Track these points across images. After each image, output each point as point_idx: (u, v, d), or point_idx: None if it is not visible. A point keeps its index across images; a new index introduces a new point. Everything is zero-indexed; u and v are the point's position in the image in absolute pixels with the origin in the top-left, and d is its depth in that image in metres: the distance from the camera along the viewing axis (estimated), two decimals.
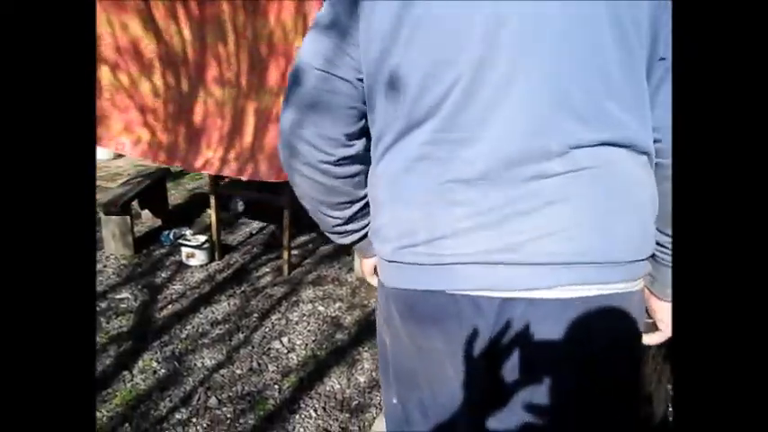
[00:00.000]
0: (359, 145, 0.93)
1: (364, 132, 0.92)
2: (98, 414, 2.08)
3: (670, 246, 0.91)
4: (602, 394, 0.86)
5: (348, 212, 1.00)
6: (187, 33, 2.65)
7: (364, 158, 0.94)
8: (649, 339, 0.99)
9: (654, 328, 0.99)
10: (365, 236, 1.04)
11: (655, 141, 0.84)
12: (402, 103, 0.81)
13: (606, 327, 0.83)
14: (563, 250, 0.79)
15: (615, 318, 0.83)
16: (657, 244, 0.90)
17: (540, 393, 0.85)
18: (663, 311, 0.98)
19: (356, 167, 0.94)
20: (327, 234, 1.08)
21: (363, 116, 0.90)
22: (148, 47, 2.68)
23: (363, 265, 1.13)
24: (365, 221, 1.02)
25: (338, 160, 0.91)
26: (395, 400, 0.99)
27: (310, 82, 0.86)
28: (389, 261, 0.91)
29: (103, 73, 2.73)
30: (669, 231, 0.90)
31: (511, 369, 0.86)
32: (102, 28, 2.65)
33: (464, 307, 0.83)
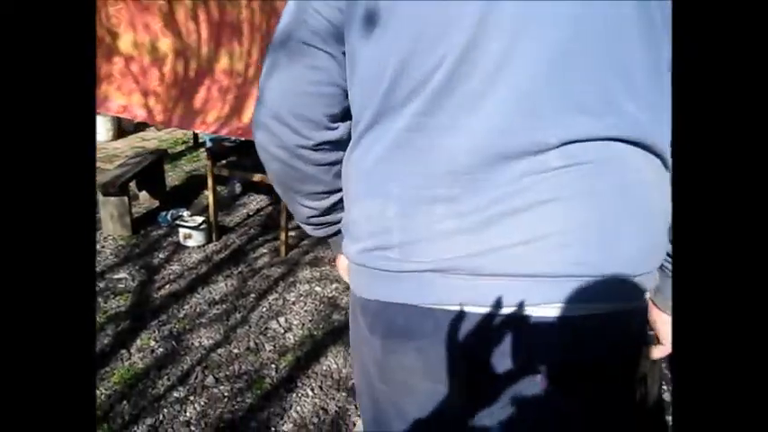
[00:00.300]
0: (342, 129, 0.82)
1: (350, 115, 0.81)
2: (96, 392, 2.09)
3: None
4: (595, 425, 0.76)
5: (325, 203, 0.91)
6: (204, 32, 2.74)
7: (347, 145, 0.82)
8: (652, 353, 0.89)
9: (655, 341, 0.89)
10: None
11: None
12: (381, 79, 0.71)
13: (605, 351, 0.73)
14: (556, 260, 0.68)
15: (616, 341, 0.73)
16: (668, 255, 0.79)
17: (524, 427, 0.75)
18: (666, 325, 0.86)
19: (337, 154, 0.83)
20: (301, 225, 0.99)
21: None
22: (165, 42, 2.74)
23: (339, 262, 1.03)
24: (343, 214, 0.90)
25: (317, 145, 0.81)
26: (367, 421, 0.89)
27: (286, 54, 0.76)
28: (358, 264, 0.80)
29: (115, 63, 2.78)
30: None
31: (493, 396, 0.75)
32: (123, 28, 2.72)
33: (443, 323, 0.72)
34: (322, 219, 0.95)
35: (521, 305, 0.69)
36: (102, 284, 2.90)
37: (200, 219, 3.41)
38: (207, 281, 2.99)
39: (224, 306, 2.75)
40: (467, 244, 0.69)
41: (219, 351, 2.38)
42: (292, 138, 0.80)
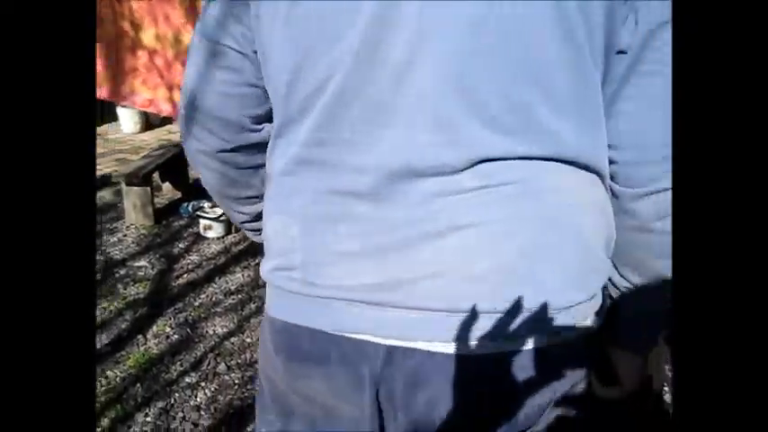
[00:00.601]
0: (267, 130, 0.75)
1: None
2: (111, 374, 2.16)
3: (636, 295, 0.73)
4: None
5: (257, 208, 0.85)
6: None
7: None
8: (606, 393, 0.81)
9: (614, 380, 0.81)
10: None
11: (610, 163, 0.66)
12: (281, 84, 0.66)
13: (519, 389, 0.65)
14: (466, 293, 0.61)
15: (533, 379, 0.65)
16: (615, 286, 0.74)
17: None
18: (624, 363, 0.78)
19: (263, 157, 0.75)
20: (240, 228, 0.93)
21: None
22: (187, 36, 2.80)
23: None
24: None
25: (238, 148, 0.76)
26: None
27: (201, 53, 0.71)
28: (267, 282, 0.75)
29: (140, 56, 2.84)
30: (635, 279, 0.72)
31: (400, 428, 0.70)
32: (146, 21, 2.78)
33: (348, 351, 0.66)
34: (256, 225, 0.89)
35: (426, 339, 0.63)
36: (122, 272, 2.98)
37: (220, 211, 3.47)
38: (224, 271, 3.05)
39: (239, 296, 2.80)
40: (371, 270, 0.63)
41: (232, 340, 2.43)
42: (213, 141, 0.75)
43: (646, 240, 0.68)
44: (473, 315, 0.61)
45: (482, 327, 0.62)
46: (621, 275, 0.74)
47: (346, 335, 0.66)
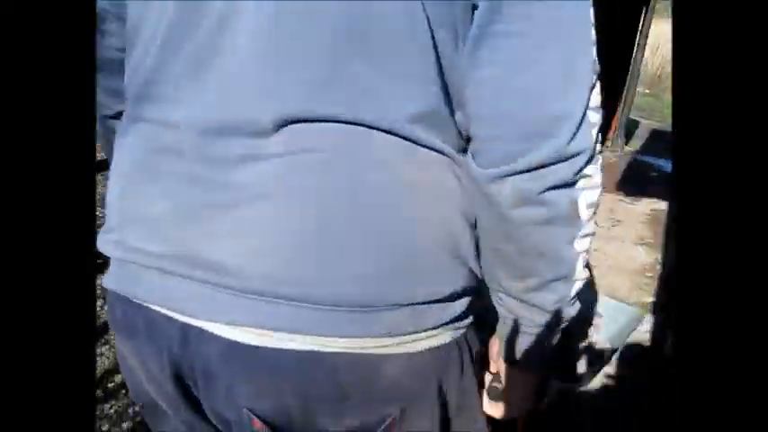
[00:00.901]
0: None
1: None
2: (113, 378, 2.15)
3: (514, 302, 0.64)
4: None
5: None
6: None
7: None
8: (494, 411, 0.74)
9: (502, 395, 0.73)
10: None
11: (469, 140, 0.58)
12: (131, 39, 0.63)
13: (307, 401, 0.58)
14: (253, 272, 0.54)
15: (326, 390, 0.57)
16: (493, 291, 0.67)
17: None
18: (510, 378, 0.71)
19: None
20: None
21: None
22: None
23: None
24: None
25: (117, 115, 0.72)
26: None
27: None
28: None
29: None
30: (507, 283, 0.63)
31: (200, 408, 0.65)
32: None
33: (150, 324, 0.61)
34: None
35: (211, 320, 0.57)
36: None
37: None
38: None
39: None
40: (172, 235, 0.58)
41: None
42: (100, 109, 0.73)
43: (504, 232, 0.59)
44: (253, 298, 0.55)
45: (263, 314, 0.55)
46: (492, 278, 0.65)
47: (148, 304, 0.61)
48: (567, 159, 0.53)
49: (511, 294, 0.64)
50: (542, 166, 0.53)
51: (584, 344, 1.51)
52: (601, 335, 1.57)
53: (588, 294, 1.65)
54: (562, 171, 0.54)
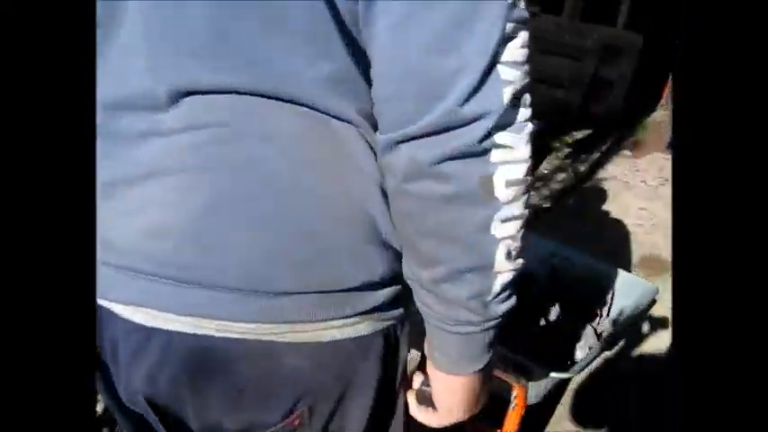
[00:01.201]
0: None
1: None
2: None
3: (437, 300, 0.55)
4: None
5: None
6: None
7: None
8: (422, 416, 0.67)
9: (430, 400, 0.66)
10: None
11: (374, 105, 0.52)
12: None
13: (192, 391, 0.56)
14: (147, 252, 0.53)
15: (208, 381, 0.56)
16: (415, 286, 0.58)
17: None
18: (436, 382, 0.63)
19: None
20: None
21: None
22: None
23: None
24: None
25: None
26: None
27: None
28: None
29: None
30: (420, 272, 0.55)
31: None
32: None
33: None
34: None
35: (111, 299, 0.56)
36: None
37: None
38: None
39: None
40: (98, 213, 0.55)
41: None
42: None
43: (403, 210, 0.52)
44: (141, 277, 0.54)
45: (150, 293, 0.54)
46: (405, 265, 0.58)
47: None
48: (464, 125, 0.46)
49: (423, 285, 0.56)
50: (435, 132, 0.46)
51: (583, 328, 1.43)
52: (610, 315, 1.46)
53: (600, 268, 1.55)
54: (460, 138, 0.46)
